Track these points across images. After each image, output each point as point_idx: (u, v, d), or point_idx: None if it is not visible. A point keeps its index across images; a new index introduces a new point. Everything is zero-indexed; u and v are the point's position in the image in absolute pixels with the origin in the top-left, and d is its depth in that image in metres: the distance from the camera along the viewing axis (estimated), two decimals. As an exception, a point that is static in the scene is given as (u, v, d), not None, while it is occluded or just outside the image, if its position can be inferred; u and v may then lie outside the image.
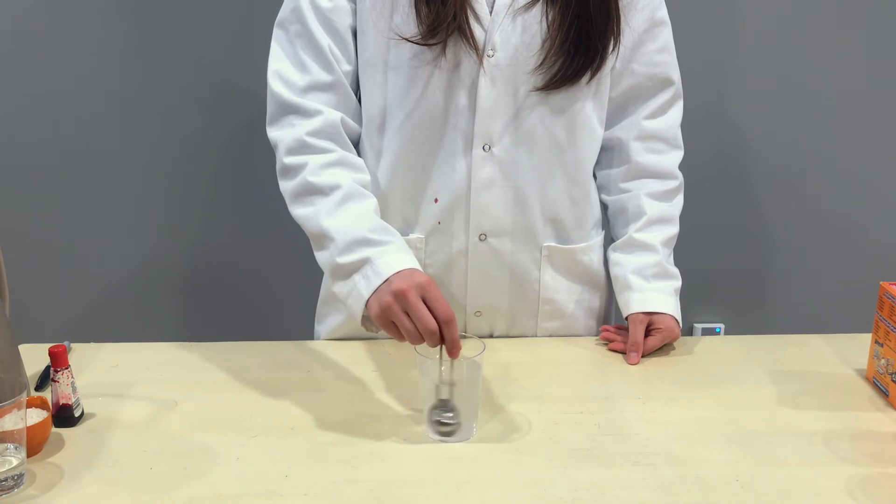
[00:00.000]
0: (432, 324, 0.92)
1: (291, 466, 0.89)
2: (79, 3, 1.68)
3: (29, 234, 1.82)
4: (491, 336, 1.25)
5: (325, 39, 1.10)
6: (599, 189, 1.28)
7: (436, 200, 1.17)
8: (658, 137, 1.22)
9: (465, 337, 0.99)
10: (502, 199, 1.17)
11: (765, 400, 1.04)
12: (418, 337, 0.93)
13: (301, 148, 1.09)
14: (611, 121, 1.23)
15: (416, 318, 0.93)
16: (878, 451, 0.92)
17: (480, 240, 1.18)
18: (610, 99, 1.20)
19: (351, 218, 1.04)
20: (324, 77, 1.11)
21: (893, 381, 1.03)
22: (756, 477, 0.87)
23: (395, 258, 0.99)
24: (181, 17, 1.70)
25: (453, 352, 0.92)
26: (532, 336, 1.26)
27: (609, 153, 1.25)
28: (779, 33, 1.74)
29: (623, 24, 1.12)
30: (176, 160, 1.79)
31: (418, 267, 0.99)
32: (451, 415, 0.93)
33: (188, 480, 0.87)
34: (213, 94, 1.76)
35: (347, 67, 1.13)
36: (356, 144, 1.19)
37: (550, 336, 1.26)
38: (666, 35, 1.19)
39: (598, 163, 1.26)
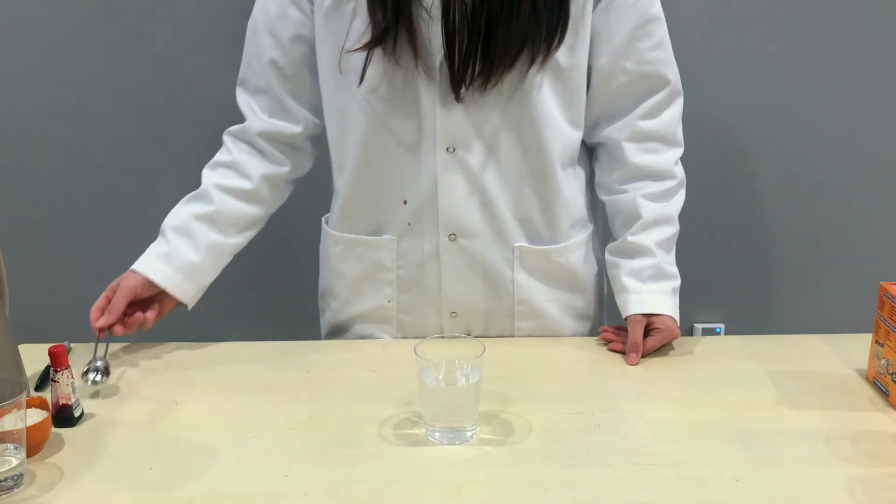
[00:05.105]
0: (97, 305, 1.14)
1: (291, 466, 0.89)
2: (74, 3, 1.68)
3: (29, 234, 1.82)
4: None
5: (270, 47, 1.18)
6: (598, 188, 1.27)
7: (405, 202, 1.19)
8: (654, 138, 1.20)
9: (460, 338, 0.99)
10: (470, 201, 1.17)
11: (765, 400, 1.04)
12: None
13: (223, 142, 1.27)
14: (605, 121, 1.21)
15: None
16: (878, 451, 0.92)
17: (450, 240, 1.19)
18: (601, 98, 1.18)
19: (174, 212, 1.23)
20: (260, 81, 1.21)
21: (894, 381, 1.03)
22: (756, 477, 0.87)
23: (143, 257, 1.18)
24: (181, 16, 1.70)
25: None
26: (510, 336, 1.26)
27: (606, 154, 1.24)
28: (782, 30, 1.74)
29: (592, 22, 1.12)
30: (177, 160, 1.79)
31: (148, 273, 1.16)
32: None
33: (188, 480, 0.87)
34: (213, 94, 1.76)
35: (290, 73, 1.20)
36: (316, 139, 1.27)
37: (529, 336, 1.25)
38: (660, 32, 1.16)
39: (597, 162, 1.26)
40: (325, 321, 1.34)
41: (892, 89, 1.78)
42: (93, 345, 1.12)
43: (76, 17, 1.69)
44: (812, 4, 1.72)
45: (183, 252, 1.19)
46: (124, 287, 1.15)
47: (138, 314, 1.17)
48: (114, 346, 1.20)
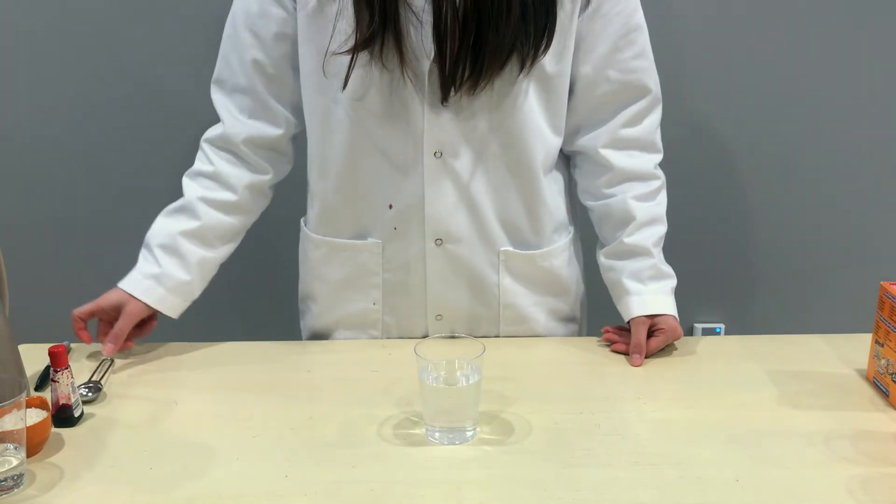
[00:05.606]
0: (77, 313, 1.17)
1: (291, 466, 0.89)
2: (74, 4, 1.68)
3: (29, 234, 1.82)
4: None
5: (251, 46, 1.16)
6: (582, 195, 1.27)
7: (390, 207, 1.18)
8: (634, 145, 1.20)
9: (461, 338, 0.99)
10: (456, 206, 1.17)
11: (765, 400, 1.04)
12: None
13: (200, 149, 1.25)
14: (586, 128, 1.21)
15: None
16: (878, 451, 0.92)
17: (437, 244, 1.19)
18: (584, 106, 1.18)
19: (158, 226, 1.22)
20: (240, 80, 1.18)
21: (894, 381, 1.03)
22: (756, 477, 0.87)
23: (132, 276, 1.19)
24: (182, 15, 1.70)
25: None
26: (495, 337, 1.25)
27: (587, 160, 1.23)
28: (777, 29, 1.74)
29: (583, 31, 1.12)
30: (176, 160, 1.79)
31: (142, 297, 1.17)
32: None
33: (188, 480, 0.87)
34: (206, 94, 1.75)
35: (272, 72, 1.17)
36: (296, 140, 1.25)
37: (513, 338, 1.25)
38: (642, 40, 1.17)
39: (578, 169, 1.25)
40: (306, 325, 1.32)
41: (891, 87, 1.78)
42: (91, 359, 1.14)
43: (74, 18, 1.69)
44: (808, 3, 1.72)
45: (173, 272, 1.18)
46: (129, 314, 1.16)
47: (147, 327, 1.22)
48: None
